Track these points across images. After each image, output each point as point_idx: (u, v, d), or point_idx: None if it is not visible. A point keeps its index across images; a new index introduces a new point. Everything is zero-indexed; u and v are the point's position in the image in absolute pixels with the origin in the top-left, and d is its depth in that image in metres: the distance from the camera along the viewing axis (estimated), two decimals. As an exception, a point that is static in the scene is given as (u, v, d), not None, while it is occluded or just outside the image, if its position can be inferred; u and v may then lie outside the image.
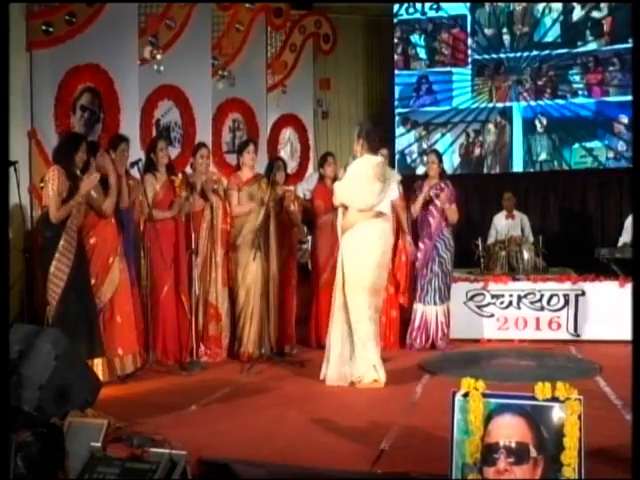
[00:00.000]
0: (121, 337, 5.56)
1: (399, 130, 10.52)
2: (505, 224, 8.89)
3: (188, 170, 6.59)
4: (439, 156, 7.10)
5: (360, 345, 5.35)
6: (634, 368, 3.31)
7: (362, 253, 5.35)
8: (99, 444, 3.25)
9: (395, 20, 10.48)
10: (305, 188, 9.09)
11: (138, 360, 5.70)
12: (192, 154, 6.54)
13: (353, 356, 5.36)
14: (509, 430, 2.98)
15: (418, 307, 6.90)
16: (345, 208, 5.44)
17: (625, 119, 9.49)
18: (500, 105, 10.19)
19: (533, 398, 2.98)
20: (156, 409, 4.65)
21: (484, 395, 3.05)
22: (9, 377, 4.05)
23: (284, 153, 9.27)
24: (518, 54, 10.09)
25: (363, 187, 5.38)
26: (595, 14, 9.79)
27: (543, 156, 10.04)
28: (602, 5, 9.72)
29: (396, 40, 10.47)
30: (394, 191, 5.70)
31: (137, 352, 5.70)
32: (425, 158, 7.91)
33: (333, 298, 5.48)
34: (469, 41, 10.26)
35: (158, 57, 7.14)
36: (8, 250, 5.02)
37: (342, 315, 5.38)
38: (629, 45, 8.82)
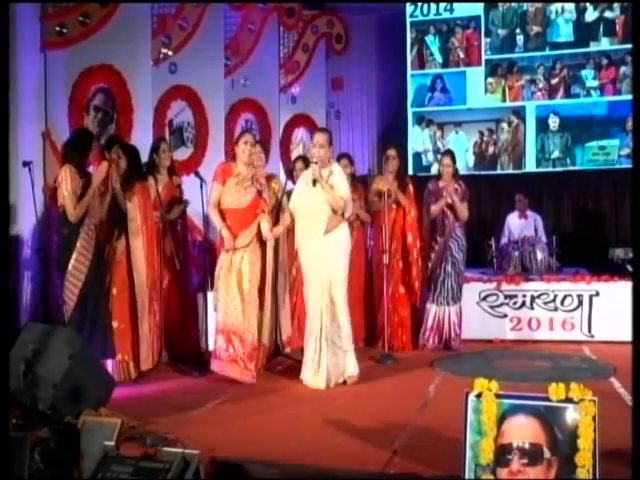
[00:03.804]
0: (118, 343, 5.53)
1: (413, 129, 10.52)
2: (518, 224, 8.86)
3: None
4: (453, 158, 7.02)
5: (347, 342, 5.43)
6: (634, 368, 3.29)
7: (342, 251, 5.48)
8: (112, 443, 3.26)
9: (409, 21, 10.49)
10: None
11: (131, 367, 5.65)
12: (235, 143, 5.76)
13: (340, 355, 5.39)
14: (523, 431, 2.97)
15: (431, 307, 6.89)
16: None
17: (639, 118, 9.44)
18: (513, 104, 10.19)
19: (547, 399, 2.97)
20: (169, 409, 4.66)
21: (497, 396, 3.04)
22: (24, 376, 4.09)
23: (296, 153, 9.26)
24: (531, 54, 10.08)
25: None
26: (608, 14, 9.75)
27: (556, 154, 10.01)
28: (615, 5, 9.68)
29: (410, 41, 10.49)
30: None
31: (133, 359, 5.66)
32: (439, 157, 7.85)
33: (313, 303, 5.42)
34: (483, 41, 10.25)
35: (169, 53, 7.17)
36: (8, 250, 5.07)
37: (327, 317, 5.38)
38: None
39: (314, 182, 5.42)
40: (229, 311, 5.46)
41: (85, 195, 5.20)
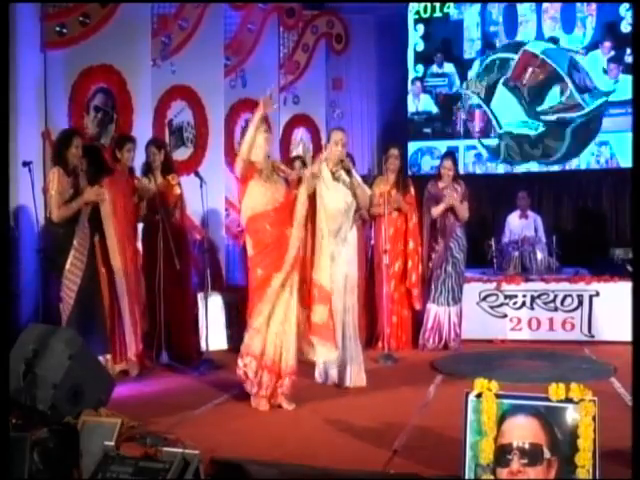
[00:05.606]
0: None
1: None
2: (519, 224, 8.84)
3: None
4: (454, 161, 7.02)
5: (360, 346, 5.48)
6: (634, 368, 3.30)
7: (355, 253, 5.56)
8: (112, 443, 3.26)
9: (409, 20, 10.49)
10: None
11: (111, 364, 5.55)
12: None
13: (356, 358, 5.40)
14: (523, 431, 2.97)
15: (432, 308, 6.89)
16: None
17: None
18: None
19: (547, 399, 2.97)
20: (169, 408, 4.66)
21: (497, 396, 3.04)
22: (24, 376, 4.09)
23: (296, 153, 9.26)
24: (531, 53, 10.05)
25: None
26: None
27: (557, 154, 10.00)
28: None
29: (411, 40, 10.49)
30: None
31: (113, 356, 5.61)
32: (439, 158, 7.82)
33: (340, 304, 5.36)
34: (482, 41, 10.24)
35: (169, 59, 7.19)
36: (8, 250, 5.07)
37: (347, 318, 5.40)
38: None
39: (334, 175, 5.23)
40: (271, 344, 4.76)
41: (75, 197, 5.27)
